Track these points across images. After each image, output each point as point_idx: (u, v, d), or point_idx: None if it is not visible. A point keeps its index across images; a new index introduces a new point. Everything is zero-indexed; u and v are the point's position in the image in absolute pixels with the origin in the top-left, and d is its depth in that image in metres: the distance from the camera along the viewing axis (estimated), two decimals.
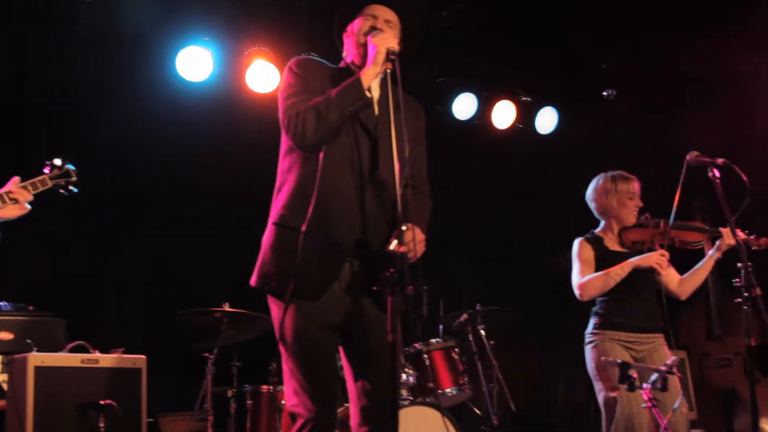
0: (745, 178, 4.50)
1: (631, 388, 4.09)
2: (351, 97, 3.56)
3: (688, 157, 4.72)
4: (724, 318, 7.48)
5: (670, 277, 5.22)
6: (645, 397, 4.14)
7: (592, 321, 5.18)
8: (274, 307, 3.69)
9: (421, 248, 3.68)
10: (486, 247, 7.85)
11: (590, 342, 5.13)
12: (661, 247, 5.08)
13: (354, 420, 3.70)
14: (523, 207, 8.00)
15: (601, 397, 5.00)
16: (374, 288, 3.66)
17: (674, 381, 4.49)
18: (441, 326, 6.63)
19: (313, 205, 3.56)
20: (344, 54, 3.90)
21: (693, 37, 7.27)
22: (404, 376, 5.83)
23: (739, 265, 4.35)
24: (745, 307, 4.30)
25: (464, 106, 7.74)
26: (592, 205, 5.35)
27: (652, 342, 5.10)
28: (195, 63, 6.63)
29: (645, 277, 5.08)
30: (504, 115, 7.90)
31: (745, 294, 4.30)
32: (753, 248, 5.13)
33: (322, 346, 3.63)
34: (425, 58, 7.46)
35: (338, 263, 3.62)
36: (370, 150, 3.70)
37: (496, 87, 7.87)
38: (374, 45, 3.60)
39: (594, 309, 5.19)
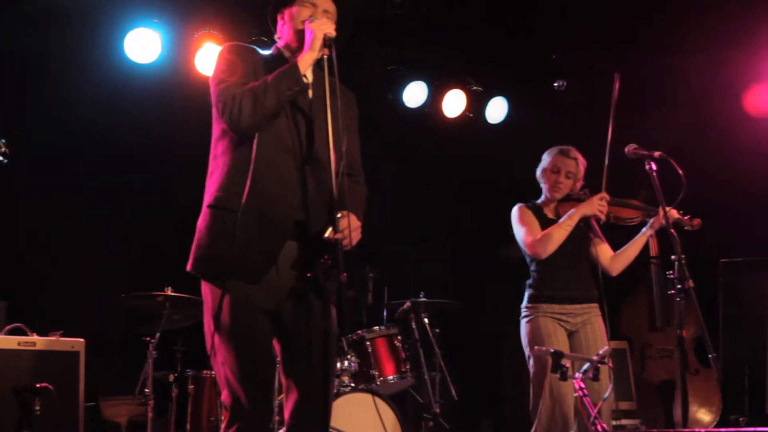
0: (680, 171, 4.58)
1: (563, 377, 4.13)
2: (288, 82, 3.56)
3: (626, 150, 4.78)
4: (666, 309, 7.57)
5: (603, 251, 5.30)
6: (576, 386, 4.18)
7: (526, 294, 5.24)
8: (209, 293, 3.66)
9: (356, 236, 3.70)
10: (434, 234, 7.87)
11: (524, 316, 5.20)
12: (598, 222, 5.14)
13: (286, 411, 3.70)
14: (472, 195, 8.04)
15: (531, 372, 5.07)
16: (308, 275, 3.67)
17: (605, 370, 4.54)
18: (385, 313, 6.65)
19: (249, 185, 3.55)
20: (277, 37, 3.90)
21: (642, 30, 7.34)
22: (346, 363, 5.85)
23: (672, 257, 4.41)
24: (678, 299, 4.37)
25: (415, 95, 7.74)
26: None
27: (587, 313, 5.15)
28: (143, 45, 6.58)
29: (577, 248, 5.14)
30: (454, 103, 7.92)
31: (679, 286, 4.37)
32: (686, 228, 5.19)
33: (258, 332, 3.61)
34: (377, 45, 7.49)
35: (277, 244, 3.61)
36: (306, 133, 3.70)
37: (447, 76, 7.88)
38: (312, 30, 3.61)
39: (527, 282, 5.25)
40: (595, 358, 4.18)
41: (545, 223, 5.25)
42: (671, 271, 4.38)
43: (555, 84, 8.09)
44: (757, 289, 7.71)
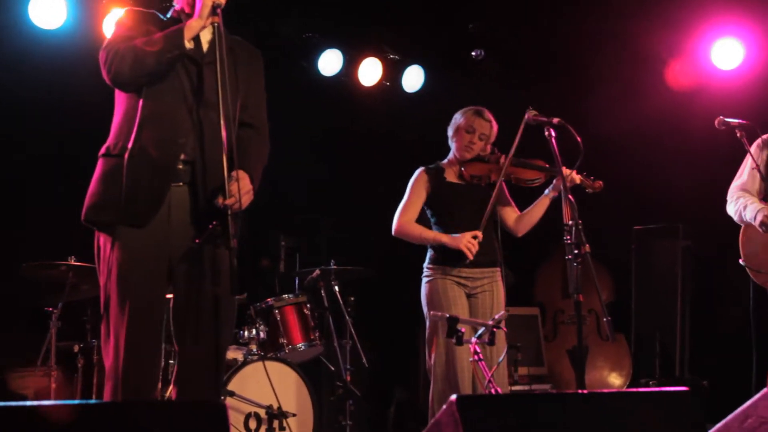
0: (578, 138, 4.61)
1: (459, 342, 4.16)
2: (170, 45, 3.61)
3: (526, 116, 4.81)
4: (593, 278, 7.65)
5: (508, 213, 5.34)
6: (471, 350, 4.21)
7: (428, 255, 5.27)
8: (102, 243, 3.68)
9: (247, 199, 3.72)
10: (347, 203, 7.85)
11: (425, 276, 5.23)
12: (489, 185, 5.15)
13: (175, 374, 3.70)
14: (387, 164, 8.02)
15: (427, 332, 5.12)
16: (197, 240, 3.66)
17: (501, 335, 4.58)
18: (297, 282, 6.64)
19: (135, 130, 3.61)
20: (175, 1, 3.94)
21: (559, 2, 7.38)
22: (254, 331, 5.84)
23: (570, 222, 4.44)
24: (574, 264, 4.40)
25: (330, 63, 7.67)
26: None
27: (487, 277, 5.19)
28: (48, 10, 6.44)
29: (479, 211, 5.13)
30: (370, 72, 7.87)
31: (575, 251, 4.40)
32: (588, 190, 5.24)
33: (149, 279, 3.62)
34: (292, 13, 7.42)
35: (164, 184, 3.64)
36: (203, 89, 3.74)
37: (363, 44, 7.84)
38: None
39: (429, 244, 5.28)
40: (490, 322, 4.21)
41: (440, 187, 5.27)
42: (568, 237, 4.40)
43: (472, 53, 8.08)
44: (669, 255, 7.85)
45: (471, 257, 5.02)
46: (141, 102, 3.64)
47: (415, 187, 5.32)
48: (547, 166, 5.26)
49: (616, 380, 7.67)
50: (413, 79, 8.06)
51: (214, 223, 3.64)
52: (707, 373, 7.46)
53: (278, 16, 7.30)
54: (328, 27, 7.66)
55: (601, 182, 5.15)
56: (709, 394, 7.22)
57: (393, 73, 8.00)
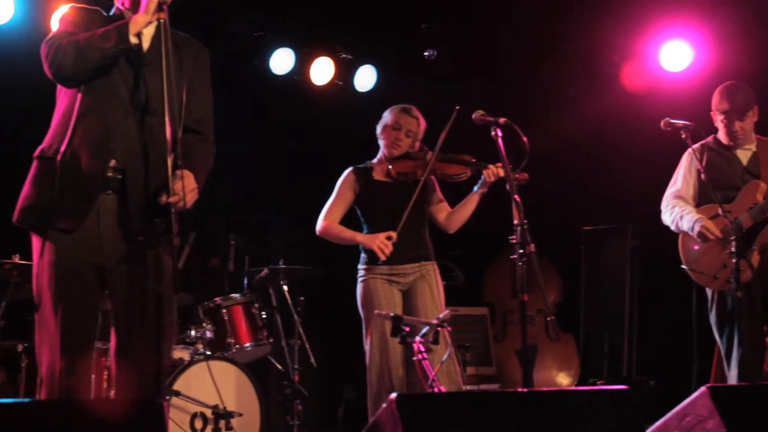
0: (524, 138, 4.64)
1: (403, 341, 4.17)
2: (114, 40, 3.56)
3: (473, 116, 4.83)
4: (537, 278, 7.69)
5: (438, 210, 5.38)
6: (416, 349, 4.22)
7: (361, 255, 5.32)
8: (34, 244, 3.66)
9: (192, 197, 3.70)
10: (299, 202, 7.81)
11: (359, 277, 5.29)
12: (417, 181, 5.16)
13: (115, 373, 3.68)
14: (339, 163, 8.00)
15: (364, 332, 5.17)
16: (140, 238, 3.64)
17: (444, 334, 4.59)
18: (246, 281, 6.60)
19: (69, 134, 3.58)
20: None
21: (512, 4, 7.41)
22: (201, 331, 5.81)
23: (515, 222, 4.46)
24: (519, 264, 4.43)
25: (282, 61, 7.64)
26: None
27: (418, 271, 5.23)
28: None
29: (408, 207, 5.16)
30: (322, 71, 7.85)
31: (521, 251, 4.43)
32: (514, 184, 5.23)
33: (77, 284, 3.59)
34: (243, 11, 7.38)
35: (93, 193, 3.60)
36: (141, 89, 3.70)
37: (315, 43, 7.81)
38: None
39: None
40: (435, 321, 4.22)
41: (369, 185, 5.34)
42: (513, 237, 4.42)
43: (425, 53, 8.09)
44: (617, 256, 7.92)
45: (383, 257, 5.08)
46: (77, 104, 3.61)
47: (341, 187, 5.41)
48: (474, 160, 5.28)
49: (564, 380, 7.73)
50: (365, 78, 8.05)
51: (157, 220, 3.60)
52: (655, 372, 7.54)
53: (229, 14, 7.27)
54: (279, 25, 7.64)
55: (526, 174, 5.15)
56: (656, 394, 7.29)
57: (345, 72, 7.98)
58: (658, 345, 7.62)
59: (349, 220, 5.48)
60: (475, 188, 5.27)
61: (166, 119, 3.51)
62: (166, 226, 3.56)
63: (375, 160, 5.45)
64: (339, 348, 7.48)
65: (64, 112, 3.67)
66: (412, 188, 5.21)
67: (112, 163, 3.62)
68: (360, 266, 5.28)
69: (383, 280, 5.19)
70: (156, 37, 3.70)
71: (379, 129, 5.43)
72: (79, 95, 3.62)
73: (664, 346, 7.50)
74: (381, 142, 5.41)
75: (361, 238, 5.21)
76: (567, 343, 7.84)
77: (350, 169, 5.44)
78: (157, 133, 3.59)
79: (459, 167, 5.26)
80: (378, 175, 5.36)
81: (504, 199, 5.27)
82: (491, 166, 5.08)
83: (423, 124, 5.39)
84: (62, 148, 3.57)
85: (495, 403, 3.12)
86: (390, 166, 5.28)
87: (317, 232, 5.38)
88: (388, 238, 5.07)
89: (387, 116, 5.41)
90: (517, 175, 5.13)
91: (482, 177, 5.23)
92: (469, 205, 5.30)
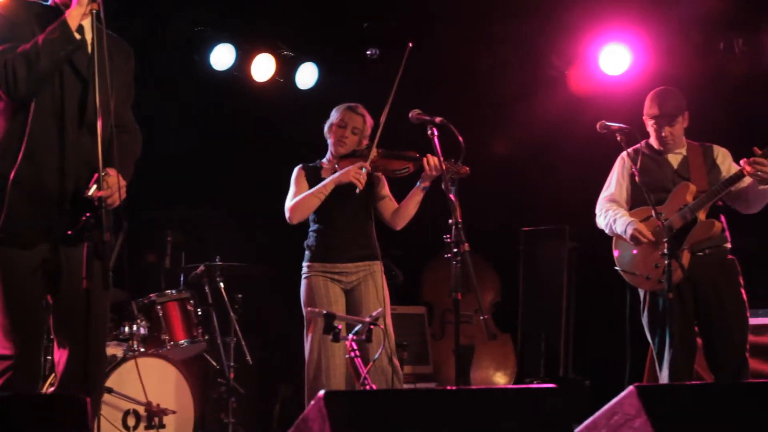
0: (461, 138, 4.67)
1: (336, 339, 4.16)
2: (60, 42, 3.50)
3: (410, 115, 4.84)
4: (470, 276, 7.73)
5: (384, 206, 5.38)
6: (348, 347, 4.22)
7: (305, 253, 5.31)
8: None
9: (121, 194, 3.65)
10: (237, 198, 7.78)
11: (303, 274, 5.28)
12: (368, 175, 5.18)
13: (57, 370, 3.67)
14: (278, 160, 7.96)
15: (305, 329, 5.20)
16: (69, 232, 3.61)
17: (377, 332, 4.59)
18: (182, 278, 6.55)
19: (22, 153, 3.53)
20: None
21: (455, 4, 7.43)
22: (135, 327, 5.74)
23: (450, 221, 4.48)
24: (454, 263, 4.44)
25: (222, 57, 7.59)
26: None
27: (363, 271, 5.24)
28: None
29: (354, 205, 5.20)
30: (263, 67, 7.81)
31: (455, 250, 4.44)
32: (453, 177, 5.25)
33: (28, 290, 3.60)
34: (184, 5, 7.32)
35: (49, 213, 3.60)
36: (80, 93, 3.66)
37: (256, 39, 7.78)
38: None
39: (305, 242, 5.31)
40: (368, 319, 4.22)
41: (317, 183, 5.31)
42: (448, 236, 4.44)
43: (367, 52, 8.07)
44: (555, 256, 7.99)
45: (361, 186, 5.05)
46: (30, 117, 3.56)
47: (297, 179, 5.40)
48: (417, 155, 5.28)
49: (501, 379, 7.77)
50: (307, 76, 8.04)
51: (88, 215, 3.57)
52: (590, 372, 7.61)
53: (171, 9, 7.20)
54: (220, 21, 7.59)
55: (467, 168, 5.16)
56: (591, 393, 7.36)
57: (286, 69, 7.96)
58: (595, 345, 7.69)
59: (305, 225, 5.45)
60: (417, 183, 5.27)
61: (100, 119, 3.52)
62: (96, 222, 3.53)
63: (324, 159, 5.44)
64: (277, 346, 7.47)
65: (9, 125, 3.60)
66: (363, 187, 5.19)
67: (69, 186, 3.61)
68: (304, 263, 5.27)
69: (325, 277, 5.18)
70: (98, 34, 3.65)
71: (326, 127, 5.42)
72: (30, 111, 3.57)
73: (601, 346, 7.57)
74: (329, 141, 5.39)
75: (328, 181, 5.15)
76: (504, 343, 7.90)
77: (299, 166, 5.45)
78: (95, 140, 3.55)
79: (401, 162, 5.25)
80: (326, 174, 5.36)
81: (444, 197, 5.29)
82: (430, 157, 5.07)
83: (369, 121, 5.39)
84: (14, 168, 3.53)
85: (422, 402, 3.12)
86: (337, 165, 5.27)
87: (288, 220, 5.30)
88: (361, 167, 5.06)
89: (333, 114, 5.44)
90: (457, 168, 5.14)
91: (424, 171, 5.23)
92: (412, 201, 5.29)
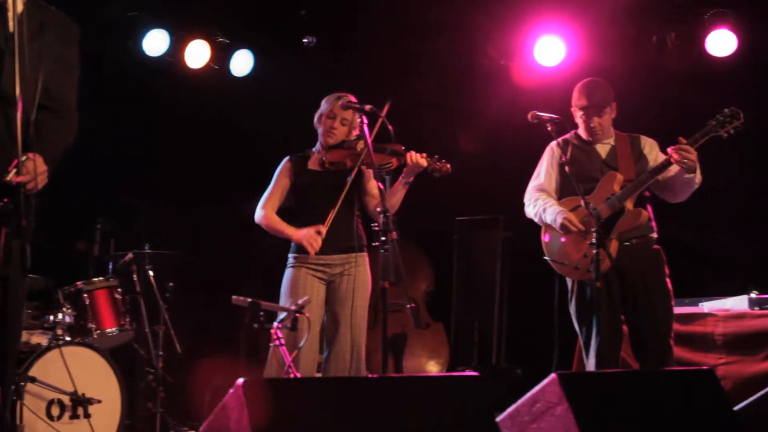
0: (390, 127, 4.68)
1: (261, 327, 4.14)
2: None
3: (340, 102, 4.86)
4: (398, 265, 7.73)
5: (370, 199, 5.30)
6: (273, 335, 4.20)
7: (291, 245, 5.28)
8: None
9: (42, 180, 3.60)
10: (169, 187, 7.70)
11: (288, 264, 5.25)
12: (350, 170, 5.12)
13: None
14: (211, 147, 7.92)
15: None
16: None
17: (303, 320, 4.56)
18: (111, 265, 6.47)
19: None
20: None
21: None
22: (60, 316, 5.66)
23: (378, 209, 4.48)
24: (382, 251, 4.45)
25: (156, 43, 7.50)
26: None
27: (348, 262, 5.21)
28: None
29: (336, 199, 5.14)
30: (198, 54, 7.73)
31: (383, 238, 4.45)
32: (435, 174, 5.24)
33: None
34: None
35: None
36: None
37: (191, 25, 7.69)
38: None
39: None
40: (293, 308, 4.20)
41: (302, 174, 5.32)
42: (376, 224, 4.44)
43: (304, 40, 8.04)
44: (489, 246, 8.03)
45: (312, 253, 5.07)
46: None
47: (278, 176, 5.38)
48: (402, 149, 5.23)
49: (433, 368, 7.79)
50: (242, 63, 7.97)
51: (5, 200, 3.50)
52: (523, 361, 7.66)
53: None
54: (154, 6, 7.50)
55: (449, 165, 5.16)
56: (524, 382, 7.40)
57: (221, 56, 7.89)
58: (527, 334, 7.74)
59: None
60: (400, 178, 5.21)
61: (17, 96, 3.40)
62: (15, 207, 3.46)
63: (314, 149, 5.40)
64: (207, 335, 7.42)
65: None
66: (343, 178, 5.17)
67: None
68: (290, 254, 5.24)
69: (308, 269, 5.15)
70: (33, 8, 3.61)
71: (315, 118, 5.36)
72: None
73: (533, 335, 7.62)
74: (318, 131, 5.35)
75: (289, 231, 5.18)
76: (437, 332, 7.92)
77: (287, 157, 5.40)
78: (8, 115, 3.47)
79: (385, 157, 5.15)
80: (312, 164, 5.33)
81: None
82: (412, 153, 5.05)
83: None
84: None
85: (341, 390, 3.11)
86: (324, 156, 5.23)
87: (255, 221, 5.33)
88: (317, 232, 5.04)
89: (323, 105, 5.36)
90: (437, 164, 5.13)
91: (406, 167, 5.17)
92: (395, 197, 5.21)
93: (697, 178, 5.16)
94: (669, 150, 5.08)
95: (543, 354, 7.17)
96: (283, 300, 5.14)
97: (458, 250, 8.15)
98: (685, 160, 5.01)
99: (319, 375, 5.17)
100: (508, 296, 7.98)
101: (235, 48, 7.94)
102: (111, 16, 7.31)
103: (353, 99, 5.26)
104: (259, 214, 5.33)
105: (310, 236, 5.06)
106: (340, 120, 5.28)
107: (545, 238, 5.42)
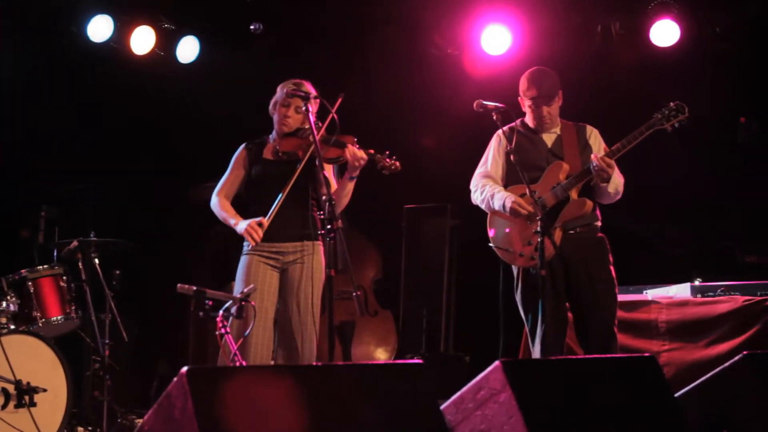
0: (335, 116, 4.70)
1: (207, 316, 4.13)
2: None
3: (285, 90, 4.87)
4: (344, 253, 7.75)
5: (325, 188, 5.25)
6: (218, 324, 4.19)
7: None
8: None
9: None
10: (115, 173, 7.64)
11: (242, 252, 5.21)
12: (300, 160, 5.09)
13: None
14: (157, 134, 7.87)
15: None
16: None
17: (248, 309, 4.55)
18: (56, 253, 6.41)
19: None
20: None
21: None
22: (4, 304, 5.61)
23: (323, 198, 4.49)
24: (327, 239, 4.46)
25: (100, 29, 7.39)
26: None
27: (300, 250, 5.14)
28: None
29: (293, 187, 5.07)
30: (143, 40, 7.64)
31: (328, 226, 4.46)
32: (384, 172, 5.23)
33: None
34: None
35: None
36: None
37: (136, 11, 7.60)
38: None
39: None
40: (238, 296, 4.20)
41: (256, 163, 5.25)
42: (321, 212, 4.45)
43: (251, 27, 7.99)
44: (437, 234, 8.06)
45: (253, 243, 5.02)
46: None
47: (233, 164, 5.33)
48: (355, 140, 5.14)
49: (381, 355, 7.82)
50: (188, 49, 7.89)
51: None
52: (470, 348, 7.71)
53: None
54: None
55: (399, 163, 5.15)
56: (472, 369, 7.46)
57: (167, 42, 7.79)
58: (476, 322, 7.79)
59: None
60: (345, 173, 5.16)
61: None
62: None
63: (270, 136, 5.31)
64: (154, 322, 7.38)
65: None
66: (293, 168, 5.08)
67: None
68: (244, 241, 5.17)
69: (261, 257, 5.10)
70: None
71: (270, 105, 5.27)
72: None
73: (481, 322, 7.67)
74: (273, 119, 5.27)
75: (233, 221, 5.14)
76: (385, 319, 7.95)
77: (243, 145, 5.33)
78: None
79: (336, 151, 5.08)
80: (267, 153, 5.25)
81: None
82: (350, 147, 5.01)
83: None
84: None
85: (287, 377, 3.11)
86: (278, 145, 5.18)
87: (213, 211, 5.31)
88: (259, 224, 4.99)
89: (277, 92, 5.25)
90: (385, 161, 5.11)
91: (348, 162, 5.10)
92: (343, 190, 5.16)
93: (611, 188, 5.23)
94: (592, 156, 5.14)
95: (491, 341, 7.22)
96: (237, 287, 5.11)
97: (406, 238, 8.17)
98: (601, 172, 5.08)
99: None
100: (456, 284, 8.02)
101: (181, 34, 7.86)
102: (55, 1, 7.23)
103: (309, 86, 5.20)
104: (213, 201, 5.30)
105: (250, 227, 5.01)
106: (294, 108, 5.17)
107: (491, 226, 5.46)
